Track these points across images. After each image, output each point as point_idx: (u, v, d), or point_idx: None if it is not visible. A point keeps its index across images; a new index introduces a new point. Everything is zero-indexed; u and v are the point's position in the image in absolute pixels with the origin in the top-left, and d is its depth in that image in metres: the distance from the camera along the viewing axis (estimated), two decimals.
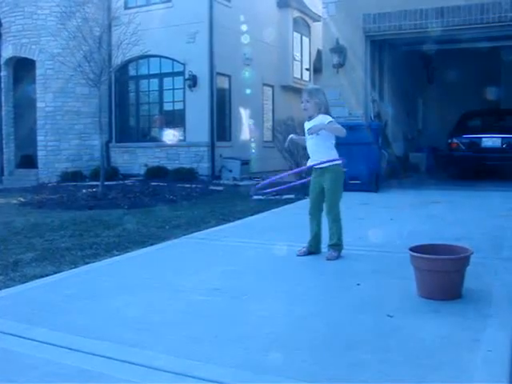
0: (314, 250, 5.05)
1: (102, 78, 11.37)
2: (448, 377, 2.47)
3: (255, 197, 5.30)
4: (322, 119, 4.87)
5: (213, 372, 2.56)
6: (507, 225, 6.43)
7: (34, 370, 2.66)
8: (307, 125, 5.04)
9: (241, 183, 14.05)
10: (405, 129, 14.98)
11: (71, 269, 4.87)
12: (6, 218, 8.38)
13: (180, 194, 11.23)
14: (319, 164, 4.94)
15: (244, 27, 15.87)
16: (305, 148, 5.18)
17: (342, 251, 4.91)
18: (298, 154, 10.91)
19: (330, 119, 4.88)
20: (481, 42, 12.67)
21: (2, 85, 16.43)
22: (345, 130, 4.87)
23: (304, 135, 5.15)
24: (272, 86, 18.67)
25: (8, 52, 16.10)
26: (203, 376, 2.52)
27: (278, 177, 5.67)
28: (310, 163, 5.05)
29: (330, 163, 4.91)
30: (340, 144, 5.09)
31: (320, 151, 4.94)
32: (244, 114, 16.95)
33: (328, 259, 4.81)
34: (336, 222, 4.91)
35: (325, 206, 4.97)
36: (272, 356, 2.73)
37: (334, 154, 4.97)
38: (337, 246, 4.89)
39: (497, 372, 2.50)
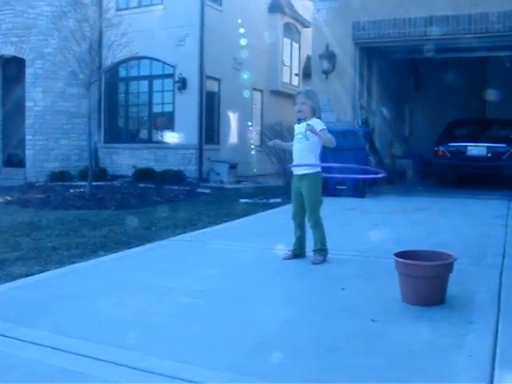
0: (298, 253, 5.07)
1: (92, 78, 11.35)
2: (430, 381, 2.51)
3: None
4: (316, 124, 4.82)
5: (198, 374, 2.57)
6: (491, 232, 6.49)
7: (18, 370, 2.66)
8: (297, 128, 5.03)
9: (228, 186, 14.06)
10: (392, 135, 15.08)
11: (57, 268, 4.85)
12: None
13: (167, 196, 11.22)
14: (299, 166, 4.95)
15: (235, 31, 15.92)
16: (291, 153, 5.18)
17: (328, 256, 4.95)
18: (284, 158, 10.94)
19: (323, 126, 4.85)
20: (468, 52, 12.82)
21: None
22: (335, 142, 4.87)
23: (292, 139, 5.15)
24: (261, 91, 18.70)
25: None
26: (189, 378, 2.53)
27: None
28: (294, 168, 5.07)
29: (309, 170, 4.92)
30: (328, 149, 5.12)
31: (304, 159, 4.94)
32: (233, 117, 16.96)
33: (313, 263, 4.84)
34: (317, 227, 4.93)
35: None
36: (257, 359, 2.75)
37: (316, 163, 4.97)
38: (321, 250, 4.92)
39: (478, 377, 2.53)
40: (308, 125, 4.77)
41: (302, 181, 4.98)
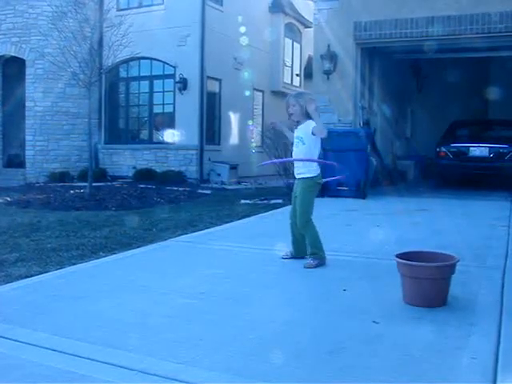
0: (296, 253, 5.05)
1: (92, 79, 11.33)
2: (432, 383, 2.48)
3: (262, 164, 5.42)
4: (311, 124, 4.82)
5: (197, 376, 2.55)
6: (493, 234, 6.47)
7: (16, 371, 2.64)
8: (296, 131, 5.02)
9: (229, 187, 14.05)
10: (393, 136, 15.06)
11: (57, 269, 4.84)
12: None
13: (168, 197, 11.21)
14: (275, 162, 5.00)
15: (236, 31, 15.91)
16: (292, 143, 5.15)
17: (328, 257, 4.88)
18: (285, 156, 10.92)
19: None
20: (470, 52, 12.80)
21: None
22: (326, 131, 4.84)
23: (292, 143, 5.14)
24: (262, 91, 18.69)
25: None
26: (188, 379, 2.51)
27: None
28: (295, 171, 5.05)
29: (305, 174, 4.89)
30: (329, 150, 5.11)
31: (300, 164, 4.93)
32: (234, 118, 16.95)
33: (304, 267, 4.73)
34: (307, 230, 4.87)
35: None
36: (256, 360, 2.73)
37: (314, 167, 4.91)
38: (314, 254, 4.83)
39: (481, 380, 2.51)
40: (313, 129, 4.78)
41: (298, 184, 4.97)
